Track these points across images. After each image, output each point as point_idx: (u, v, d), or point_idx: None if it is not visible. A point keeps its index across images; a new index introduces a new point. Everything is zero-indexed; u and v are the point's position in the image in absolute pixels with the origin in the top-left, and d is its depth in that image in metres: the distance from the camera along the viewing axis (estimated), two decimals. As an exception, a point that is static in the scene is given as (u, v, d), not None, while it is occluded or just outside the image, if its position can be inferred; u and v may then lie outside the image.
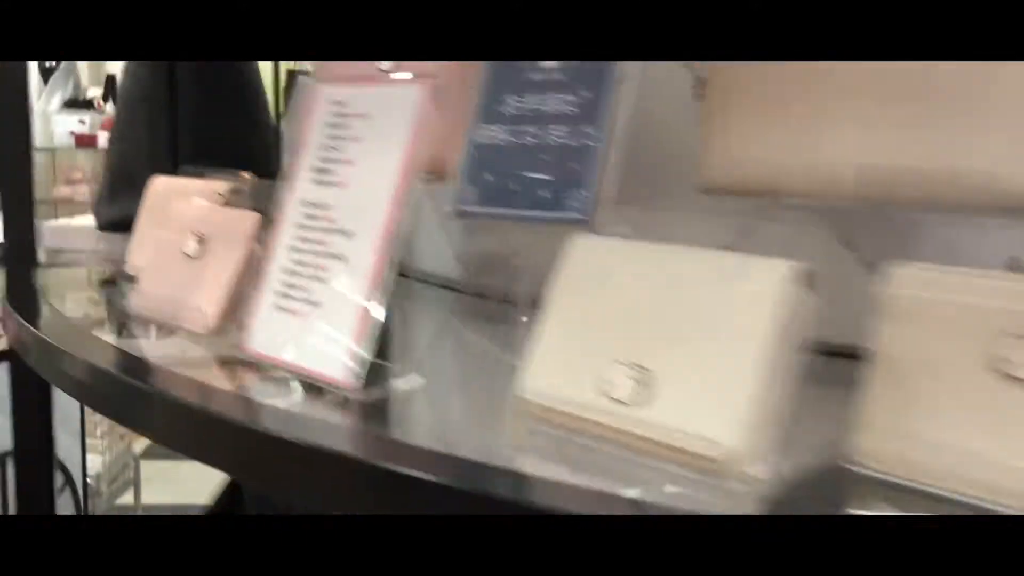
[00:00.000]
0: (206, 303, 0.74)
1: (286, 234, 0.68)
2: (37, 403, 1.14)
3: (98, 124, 6.28)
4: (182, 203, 0.85)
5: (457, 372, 0.68)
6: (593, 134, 0.66)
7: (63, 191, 6.14)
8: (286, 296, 0.65)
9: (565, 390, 0.52)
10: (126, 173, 1.21)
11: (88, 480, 2.71)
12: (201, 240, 0.79)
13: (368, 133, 0.64)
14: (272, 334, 0.65)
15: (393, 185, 0.60)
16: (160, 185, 0.98)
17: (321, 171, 0.67)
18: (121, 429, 2.96)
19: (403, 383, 0.61)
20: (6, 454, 2.49)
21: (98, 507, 2.91)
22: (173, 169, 1.18)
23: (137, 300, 0.83)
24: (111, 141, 1.30)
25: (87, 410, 2.80)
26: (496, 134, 0.70)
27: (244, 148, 1.24)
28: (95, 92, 7.05)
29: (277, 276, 0.67)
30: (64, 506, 2.59)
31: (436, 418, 0.60)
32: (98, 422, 3.40)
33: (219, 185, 0.89)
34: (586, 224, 0.65)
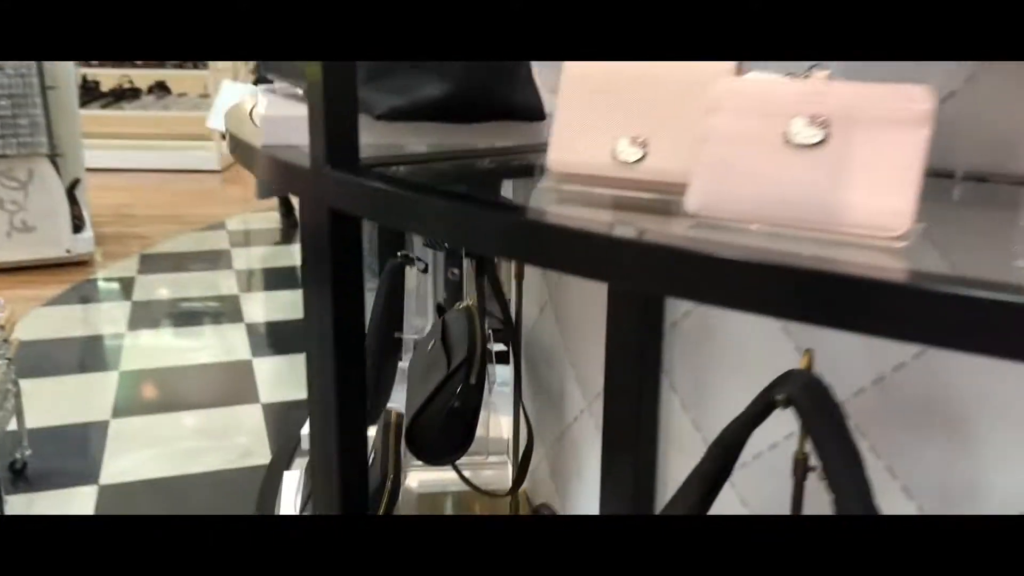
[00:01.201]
0: (893, 202, 0.61)
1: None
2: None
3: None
4: (716, 84, 0.68)
5: None
6: None
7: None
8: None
9: None
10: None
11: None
12: (823, 124, 0.64)
13: None
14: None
15: None
16: (582, 68, 0.77)
17: None
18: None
19: None
20: None
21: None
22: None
23: (712, 202, 0.66)
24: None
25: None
26: None
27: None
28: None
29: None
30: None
31: None
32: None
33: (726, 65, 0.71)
34: None
